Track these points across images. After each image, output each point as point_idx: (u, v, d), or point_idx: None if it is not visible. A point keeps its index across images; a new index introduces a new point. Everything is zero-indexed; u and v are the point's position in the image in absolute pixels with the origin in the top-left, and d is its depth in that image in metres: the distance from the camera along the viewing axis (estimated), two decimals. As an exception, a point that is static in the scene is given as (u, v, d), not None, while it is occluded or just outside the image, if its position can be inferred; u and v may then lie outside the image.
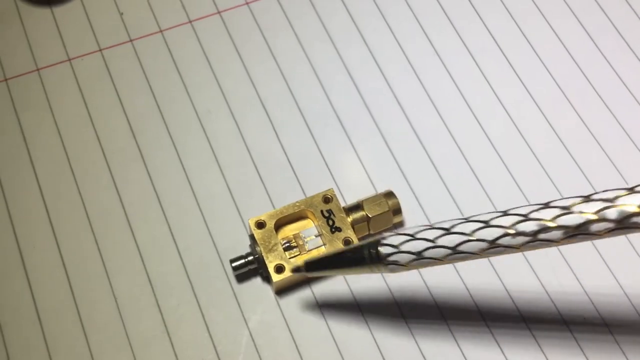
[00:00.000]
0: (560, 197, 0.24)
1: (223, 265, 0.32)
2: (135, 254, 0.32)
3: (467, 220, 0.25)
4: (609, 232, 0.23)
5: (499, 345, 0.30)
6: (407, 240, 0.26)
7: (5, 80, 0.36)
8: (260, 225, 0.31)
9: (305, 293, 0.31)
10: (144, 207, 0.33)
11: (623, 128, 0.35)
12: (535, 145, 0.35)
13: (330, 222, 0.31)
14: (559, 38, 0.37)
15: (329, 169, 0.34)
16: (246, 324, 0.31)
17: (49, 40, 0.37)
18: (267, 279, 0.31)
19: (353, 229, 0.31)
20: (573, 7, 0.38)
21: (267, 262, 0.30)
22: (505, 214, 0.25)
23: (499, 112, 0.35)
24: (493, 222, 0.25)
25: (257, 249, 0.31)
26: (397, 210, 0.32)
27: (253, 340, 0.30)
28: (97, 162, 0.34)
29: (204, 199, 0.33)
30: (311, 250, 0.31)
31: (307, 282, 0.31)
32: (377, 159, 0.34)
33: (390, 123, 0.35)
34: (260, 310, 0.31)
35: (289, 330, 0.31)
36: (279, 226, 0.31)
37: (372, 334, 0.31)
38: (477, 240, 0.25)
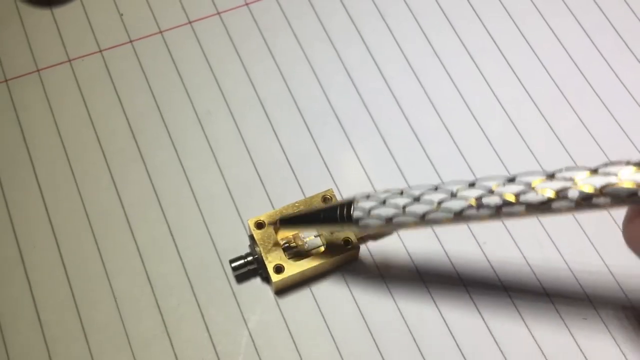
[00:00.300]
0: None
1: (222, 266, 0.32)
2: (135, 254, 0.32)
3: (436, 187, 0.26)
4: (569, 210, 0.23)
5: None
6: (378, 206, 0.27)
7: (6, 81, 0.36)
8: (260, 225, 0.31)
9: (304, 293, 0.31)
10: (143, 208, 0.33)
11: (622, 128, 0.35)
12: (534, 145, 0.35)
13: None
14: (557, 38, 0.37)
15: (328, 169, 0.34)
16: (246, 324, 0.31)
17: (49, 41, 0.37)
18: (266, 279, 0.31)
19: None
20: (571, 6, 0.38)
21: (266, 262, 0.30)
22: (472, 185, 0.25)
23: (498, 111, 0.35)
24: (459, 195, 0.25)
25: (257, 249, 0.31)
26: None
27: (253, 341, 0.30)
28: (97, 163, 0.34)
29: (203, 199, 0.33)
30: (310, 250, 0.31)
31: (306, 282, 0.31)
32: (376, 158, 0.34)
33: (389, 123, 0.35)
34: (260, 310, 0.31)
35: (289, 331, 0.31)
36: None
37: (371, 333, 0.31)
38: (443, 211, 0.25)
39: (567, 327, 0.31)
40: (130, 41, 0.37)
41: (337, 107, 0.35)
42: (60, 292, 0.31)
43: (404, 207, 0.26)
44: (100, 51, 0.36)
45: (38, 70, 0.36)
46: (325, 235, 0.31)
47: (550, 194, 0.23)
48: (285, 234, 0.31)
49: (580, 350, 0.30)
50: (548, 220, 0.33)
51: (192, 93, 0.36)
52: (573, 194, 0.23)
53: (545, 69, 0.37)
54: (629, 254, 0.26)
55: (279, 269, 0.30)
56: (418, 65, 0.36)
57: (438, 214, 0.25)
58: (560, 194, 0.23)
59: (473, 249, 0.32)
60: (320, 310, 0.31)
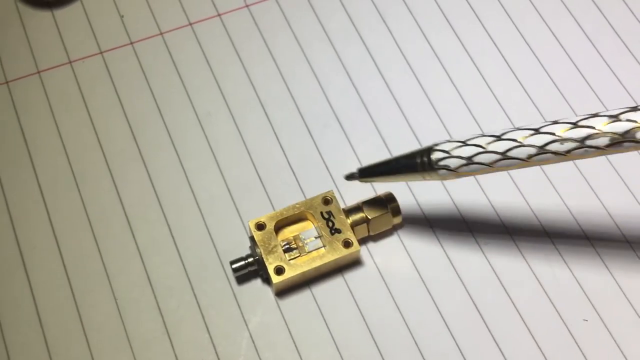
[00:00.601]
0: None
1: (223, 267, 0.32)
2: (135, 255, 0.32)
3: (519, 128, 0.26)
4: None
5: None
6: (459, 147, 0.27)
7: (7, 82, 0.36)
8: (260, 226, 0.31)
9: (305, 295, 0.31)
10: (144, 209, 0.33)
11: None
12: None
13: (330, 224, 0.31)
14: (557, 39, 0.37)
15: (328, 170, 0.34)
16: (246, 325, 0.31)
17: (50, 42, 0.37)
18: (267, 280, 0.31)
19: (353, 230, 0.31)
20: (571, 8, 0.38)
21: (267, 263, 0.30)
22: (555, 122, 0.25)
23: (498, 113, 0.35)
24: (543, 130, 0.25)
25: (257, 250, 0.31)
26: (397, 212, 0.32)
27: (253, 342, 0.30)
28: (97, 164, 0.34)
29: (203, 200, 0.33)
30: (311, 251, 0.31)
31: (306, 283, 0.31)
32: (376, 159, 0.34)
33: (389, 123, 0.35)
34: (261, 311, 0.31)
35: (289, 332, 0.30)
36: (278, 228, 0.31)
37: (372, 335, 0.30)
38: (527, 145, 0.25)
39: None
40: (131, 43, 0.37)
41: (337, 108, 0.35)
42: (61, 293, 0.31)
43: (485, 146, 0.26)
44: (101, 53, 0.36)
45: (39, 72, 0.36)
46: (326, 237, 0.31)
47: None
48: (285, 236, 0.31)
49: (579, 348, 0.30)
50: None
51: (192, 94, 0.35)
52: None
53: (545, 70, 0.36)
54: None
55: (279, 270, 0.30)
56: (418, 66, 0.36)
57: (522, 149, 0.25)
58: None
59: (473, 248, 0.32)
60: (320, 312, 0.31)
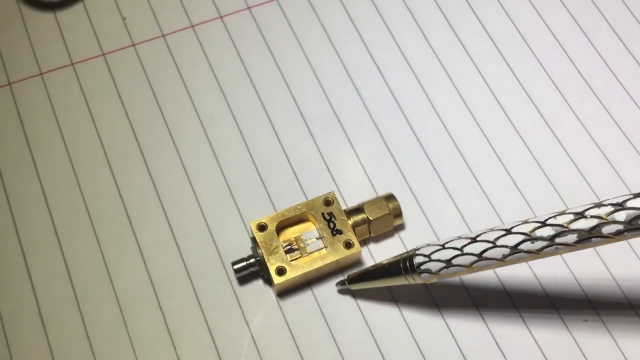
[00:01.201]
0: (566, 208, 0.26)
1: (225, 268, 0.32)
2: (137, 257, 0.32)
3: (492, 229, 0.27)
4: (619, 234, 0.24)
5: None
6: (438, 250, 0.28)
7: (9, 84, 0.36)
8: (262, 227, 0.31)
9: (306, 296, 0.31)
10: (146, 210, 0.33)
11: (622, 130, 0.35)
12: (534, 147, 0.34)
13: (332, 225, 0.31)
14: (557, 40, 0.37)
15: (329, 171, 0.34)
16: (248, 326, 0.30)
17: (53, 44, 0.37)
18: (268, 281, 0.31)
19: (354, 231, 0.31)
20: (570, 8, 0.38)
21: (268, 264, 0.30)
22: (525, 222, 0.26)
23: (498, 113, 0.35)
24: (514, 230, 0.26)
25: (259, 251, 0.31)
26: (398, 213, 0.32)
27: (255, 342, 0.30)
28: (100, 165, 0.34)
29: (205, 202, 0.33)
30: (312, 252, 0.31)
31: (308, 284, 0.31)
32: (377, 161, 0.34)
33: (390, 125, 0.35)
34: (262, 312, 0.31)
35: (291, 333, 0.30)
36: (280, 229, 0.31)
37: (372, 334, 0.30)
38: (500, 246, 0.26)
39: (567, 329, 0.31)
40: (133, 44, 0.37)
41: (338, 109, 0.35)
42: (63, 294, 0.31)
43: (461, 248, 0.27)
44: (103, 54, 0.36)
45: (41, 74, 0.36)
46: (327, 238, 0.31)
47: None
48: (287, 236, 0.31)
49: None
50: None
51: (194, 95, 0.35)
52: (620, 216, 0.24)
53: (545, 71, 0.36)
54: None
55: (281, 271, 0.30)
56: (418, 67, 0.36)
57: (496, 250, 0.26)
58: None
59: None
60: (322, 312, 0.31)
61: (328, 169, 0.34)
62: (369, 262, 0.32)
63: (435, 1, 0.38)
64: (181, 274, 0.31)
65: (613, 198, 0.25)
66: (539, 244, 0.25)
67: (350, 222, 0.31)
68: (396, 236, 0.33)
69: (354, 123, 0.35)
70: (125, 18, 0.37)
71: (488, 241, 0.26)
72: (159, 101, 0.35)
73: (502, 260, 0.26)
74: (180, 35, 0.37)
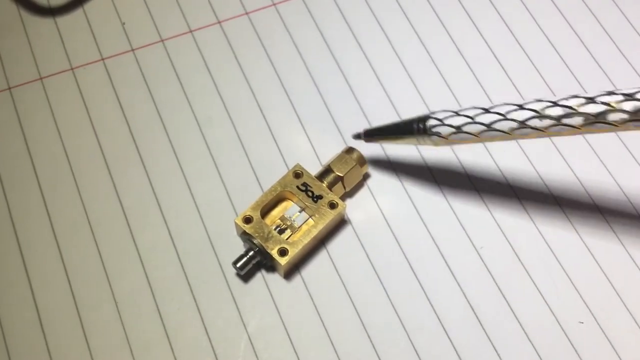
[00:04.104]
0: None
1: (222, 269, 0.31)
2: (135, 259, 0.31)
3: (505, 103, 0.28)
4: (623, 123, 0.25)
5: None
6: (451, 116, 0.29)
7: (9, 88, 0.35)
8: (248, 220, 0.31)
9: (304, 297, 0.31)
10: (144, 212, 0.32)
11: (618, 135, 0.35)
12: (530, 151, 0.34)
13: (310, 193, 0.31)
14: (553, 46, 0.37)
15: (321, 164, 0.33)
16: (245, 328, 0.30)
17: (52, 49, 0.36)
18: (271, 268, 0.31)
19: (331, 191, 0.31)
20: (567, 15, 0.38)
21: (268, 250, 0.30)
22: (538, 100, 0.27)
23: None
24: (526, 106, 0.27)
25: (255, 242, 0.30)
26: (363, 161, 0.32)
27: (252, 345, 0.30)
28: (98, 169, 0.33)
29: (203, 204, 0.32)
30: (301, 225, 0.31)
31: (296, 268, 0.31)
32: (373, 161, 0.34)
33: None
34: (259, 314, 0.30)
35: (288, 335, 0.30)
36: (263, 215, 0.31)
37: (369, 336, 0.30)
38: (510, 120, 0.27)
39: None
40: (132, 49, 0.36)
41: (334, 112, 0.35)
42: (62, 296, 0.30)
43: (474, 117, 0.28)
44: (103, 59, 0.36)
45: (41, 78, 0.35)
46: (311, 206, 0.31)
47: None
48: (272, 220, 0.31)
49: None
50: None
51: (192, 100, 0.35)
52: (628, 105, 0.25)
53: (541, 76, 0.36)
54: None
55: (283, 252, 0.30)
56: (415, 72, 0.36)
57: (505, 122, 0.27)
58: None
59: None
60: (319, 314, 0.30)
61: (321, 163, 0.33)
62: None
63: (433, 11, 0.38)
64: (179, 276, 0.31)
65: (626, 88, 0.26)
66: (546, 122, 0.26)
67: (325, 184, 0.32)
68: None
69: (350, 125, 0.34)
70: (124, 23, 0.37)
71: (499, 114, 0.27)
72: (158, 105, 0.35)
73: (509, 134, 0.27)
74: (178, 40, 0.37)
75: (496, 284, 0.31)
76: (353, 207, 0.33)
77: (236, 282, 0.31)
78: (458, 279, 0.31)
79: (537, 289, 0.31)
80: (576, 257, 0.31)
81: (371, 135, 0.32)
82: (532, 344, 0.30)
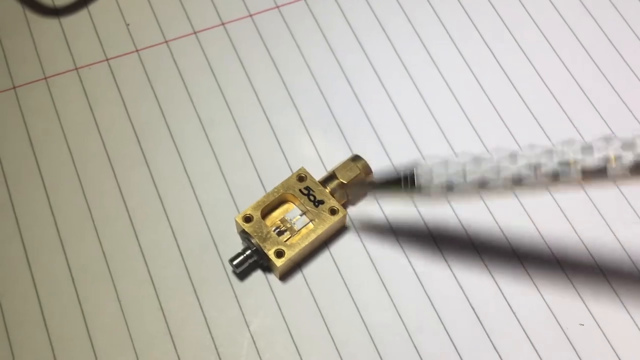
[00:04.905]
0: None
1: (225, 269, 0.31)
2: (139, 257, 0.31)
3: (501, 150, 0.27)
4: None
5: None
6: (439, 165, 0.27)
7: (14, 88, 0.35)
8: (248, 219, 0.31)
9: (306, 297, 0.31)
10: (147, 212, 0.32)
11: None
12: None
13: (312, 198, 0.31)
14: (554, 50, 0.37)
15: (325, 169, 0.33)
16: (247, 326, 0.30)
17: (57, 49, 0.36)
18: (267, 268, 0.31)
19: (334, 197, 0.31)
20: (568, 19, 0.38)
21: (265, 250, 0.30)
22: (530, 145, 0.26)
23: (495, 121, 0.35)
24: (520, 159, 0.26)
25: (253, 241, 0.30)
26: (368, 170, 0.32)
27: (254, 343, 0.30)
28: (102, 168, 0.33)
29: (206, 204, 0.32)
30: (301, 229, 0.31)
31: (298, 267, 0.31)
32: (376, 164, 0.34)
33: (388, 129, 0.34)
34: (262, 313, 0.30)
35: (290, 334, 0.30)
36: (264, 215, 0.31)
37: (370, 336, 0.30)
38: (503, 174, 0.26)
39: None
40: (137, 50, 0.36)
41: (337, 114, 0.35)
42: (66, 294, 0.30)
43: (464, 171, 0.27)
44: (107, 60, 0.36)
45: (46, 78, 0.35)
46: (312, 210, 0.31)
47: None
48: (272, 221, 0.31)
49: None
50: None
51: (196, 101, 0.35)
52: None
53: (542, 80, 0.36)
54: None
55: (279, 254, 0.30)
56: (417, 75, 0.36)
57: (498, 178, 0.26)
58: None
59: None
60: (321, 314, 0.30)
61: (325, 167, 0.33)
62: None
63: (435, 13, 0.38)
64: (182, 275, 0.31)
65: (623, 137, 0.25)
66: (545, 174, 0.25)
67: (328, 190, 0.31)
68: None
69: (353, 127, 0.35)
70: (129, 24, 0.37)
71: (498, 164, 0.26)
72: (162, 106, 0.35)
73: (504, 187, 0.26)
74: (183, 41, 0.37)
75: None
76: (356, 215, 0.32)
77: (237, 281, 0.31)
78: (460, 281, 0.31)
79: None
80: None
81: (373, 187, 0.31)
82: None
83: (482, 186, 0.26)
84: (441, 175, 0.27)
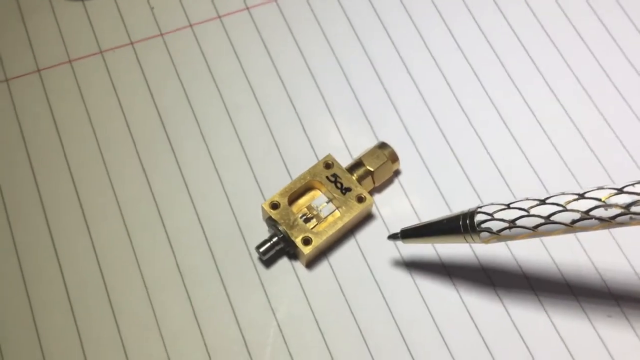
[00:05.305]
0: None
1: (251, 256, 0.31)
2: (165, 245, 0.31)
3: (563, 193, 0.25)
4: None
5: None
6: (502, 209, 0.26)
7: (38, 70, 0.35)
8: (275, 206, 0.31)
9: (332, 285, 0.31)
10: (173, 198, 0.32)
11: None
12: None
13: (339, 185, 0.31)
14: (582, 39, 0.37)
15: (350, 156, 0.33)
16: (274, 314, 0.30)
17: (81, 32, 0.36)
18: (293, 255, 0.31)
19: (361, 185, 0.31)
20: (597, 9, 0.37)
21: (293, 238, 0.30)
22: (600, 188, 0.25)
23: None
24: (588, 195, 0.24)
25: (280, 228, 0.30)
26: (395, 158, 0.32)
27: (281, 331, 0.30)
28: (127, 153, 0.33)
29: (231, 191, 0.32)
30: (327, 216, 0.31)
31: (323, 255, 0.31)
32: (401, 154, 0.33)
33: (415, 120, 0.34)
34: (288, 301, 0.30)
35: (317, 322, 0.30)
36: (290, 202, 0.31)
37: (396, 323, 0.30)
38: (571, 210, 0.25)
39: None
40: (161, 34, 0.36)
41: (362, 100, 0.35)
42: (92, 281, 0.30)
43: (528, 210, 0.25)
44: (132, 43, 0.36)
45: (70, 61, 0.35)
46: (339, 197, 0.31)
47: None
48: (299, 208, 0.31)
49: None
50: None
51: (220, 85, 0.35)
52: None
53: (571, 69, 0.36)
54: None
55: (306, 241, 0.30)
56: (442, 60, 0.36)
57: (565, 214, 0.25)
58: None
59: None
60: (347, 302, 0.30)
61: (351, 156, 0.33)
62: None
63: (435, 7, 0.38)
64: (208, 263, 0.31)
65: None
66: (613, 211, 0.24)
67: (355, 177, 0.31)
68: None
69: (379, 115, 0.34)
70: (153, 8, 0.37)
71: (557, 204, 0.25)
72: (187, 90, 0.35)
73: (571, 226, 0.25)
74: (207, 25, 0.36)
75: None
76: (382, 203, 0.32)
77: (264, 268, 0.31)
78: (487, 270, 0.31)
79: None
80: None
81: (409, 235, 0.29)
82: None
83: (550, 223, 0.25)
84: (503, 214, 0.26)
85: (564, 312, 0.30)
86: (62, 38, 0.36)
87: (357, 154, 0.33)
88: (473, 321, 0.30)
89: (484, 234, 0.26)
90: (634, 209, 0.24)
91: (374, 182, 0.32)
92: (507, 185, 0.33)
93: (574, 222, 0.25)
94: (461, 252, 0.31)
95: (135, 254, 0.31)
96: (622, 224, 0.24)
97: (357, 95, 0.35)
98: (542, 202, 0.25)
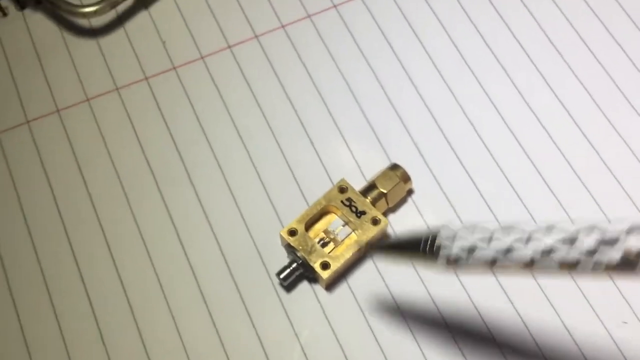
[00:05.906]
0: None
1: (272, 280, 0.32)
2: (188, 273, 0.32)
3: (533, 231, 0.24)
4: None
5: None
6: (462, 234, 0.25)
7: (58, 111, 0.36)
8: (292, 233, 0.31)
9: (352, 306, 0.31)
10: (194, 228, 0.33)
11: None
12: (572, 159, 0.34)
13: (354, 209, 0.32)
14: (586, 45, 0.37)
15: (363, 176, 0.34)
16: (297, 337, 0.31)
17: (97, 70, 0.37)
18: (313, 279, 0.32)
19: (375, 207, 0.32)
20: (600, 14, 0.38)
21: (311, 263, 0.31)
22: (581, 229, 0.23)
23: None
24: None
25: (299, 254, 0.31)
26: (407, 178, 0.33)
27: (305, 354, 0.30)
28: (148, 185, 0.34)
29: (249, 217, 0.33)
30: (344, 239, 0.31)
31: (342, 277, 0.32)
32: (413, 171, 0.34)
33: (426, 138, 0.35)
34: (310, 323, 0.31)
35: (339, 343, 0.30)
36: (307, 228, 0.32)
37: (420, 347, 0.30)
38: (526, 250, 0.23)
39: None
40: (174, 67, 0.37)
41: (376, 126, 0.35)
42: (119, 307, 0.31)
43: (489, 240, 0.24)
44: (146, 78, 0.37)
45: (88, 100, 0.36)
46: (354, 221, 0.31)
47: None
48: (316, 233, 0.32)
49: None
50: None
51: (233, 114, 0.35)
52: None
53: (576, 76, 0.36)
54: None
55: (325, 266, 0.31)
56: (452, 80, 0.36)
57: (523, 252, 0.23)
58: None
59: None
60: (368, 324, 0.31)
61: (364, 178, 0.34)
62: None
63: (443, 28, 0.38)
64: (231, 289, 0.32)
65: None
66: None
67: (369, 199, 0.32)
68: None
69: (387, 132, 0.35)
70: (164, 42, 0.37)
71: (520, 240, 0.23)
72: (201, 120, 0.35)
73: (528, 266, 0.23)
74: (218, 56, 0.37)
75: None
76: (397, 222, 0.33)
77: (284, 293, 0.32)
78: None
79: None
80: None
81: (381, 251, 0.29)
82: None
83: (506, 260, 0.23)
84: (464, 240, 0.24)
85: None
86: (78, 77, 0.37)
87: (369, 174, 0.33)
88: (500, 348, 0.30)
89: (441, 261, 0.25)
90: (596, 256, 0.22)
91: (387, 204, 0.32)
92: (521, 200, 0.33)
93: (531, 262, 0.23)
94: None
95: (159, 282, 0.32)
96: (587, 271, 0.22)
97: (367, 116, 0.35)
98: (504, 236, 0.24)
